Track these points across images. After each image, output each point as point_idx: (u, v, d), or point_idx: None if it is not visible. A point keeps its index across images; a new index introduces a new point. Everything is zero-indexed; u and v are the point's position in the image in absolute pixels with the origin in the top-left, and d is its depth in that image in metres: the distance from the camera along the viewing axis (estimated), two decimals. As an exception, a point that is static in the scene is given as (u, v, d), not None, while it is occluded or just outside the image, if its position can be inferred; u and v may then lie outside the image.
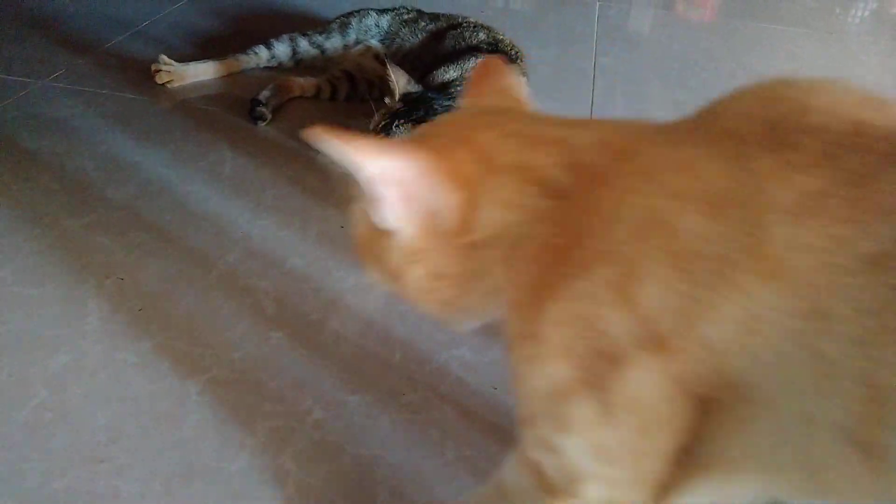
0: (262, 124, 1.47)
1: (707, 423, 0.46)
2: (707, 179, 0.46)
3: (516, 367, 0.53)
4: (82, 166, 1.29)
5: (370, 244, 0.61)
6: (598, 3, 2.36)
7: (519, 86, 0.70)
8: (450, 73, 1.36)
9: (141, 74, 1.61)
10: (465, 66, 1.37)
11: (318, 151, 0.96)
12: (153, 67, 1.54)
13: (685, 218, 0.45)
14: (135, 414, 0.86)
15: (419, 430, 0.88)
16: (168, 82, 1.54)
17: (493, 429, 0.89)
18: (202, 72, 1.57)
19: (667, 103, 1.70)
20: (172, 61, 1.55)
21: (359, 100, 1.59)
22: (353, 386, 0.92)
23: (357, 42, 1.60)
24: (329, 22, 1.64)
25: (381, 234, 0.58)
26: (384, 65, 1.58)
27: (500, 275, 0.56)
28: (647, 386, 0.46)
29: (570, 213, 0.51)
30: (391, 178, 0.53)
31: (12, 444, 0.81)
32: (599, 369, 0.47)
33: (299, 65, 1.64)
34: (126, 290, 1.03)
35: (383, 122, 1.29)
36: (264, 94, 1.49)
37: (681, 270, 0.44)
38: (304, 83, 1.56)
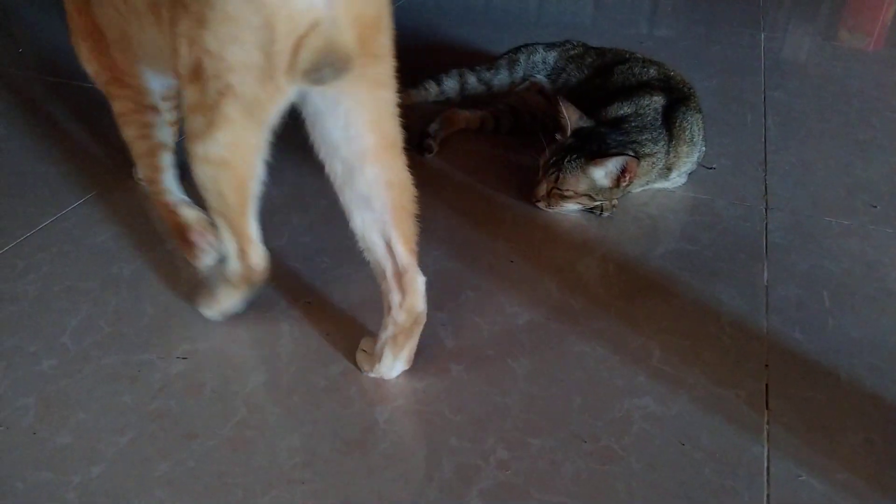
0: (428, 156, 1.50)
1: None
2: None
3: None
4: (269, 193, 1.36)
5: None
6: (762, 34, 2.26)
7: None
8: (623, 108, 1.34)
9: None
10: (640, 102, 1.35)
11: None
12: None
13: None
14: (327, 437, 0.89)
15: (604, 482, 0.85)
16: (344, 113, 1.62)
17: (683, 488, 0.85)
18: (375, 103, 1.64)
19: (849, 143, 1.59)
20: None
21: (522, 132, 1.60)
22: (534, 428, 0.91)
23: (524, 79, 1.61)
24: (497, 58, 1.66)
25: None
26: (548, 99, 1.58)
27: None
28: None
29: None
30: None
31: (218, 458, 0.86)
32: None
33: (465, 99, 1.67)
34: (314, 314, 1.08)
35: (555, 157, 1.29)
36: (432, 127, 1.53)
37: None
38: (469, 116, 1.59)
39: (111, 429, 0.90)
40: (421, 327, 0.96)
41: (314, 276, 1.15)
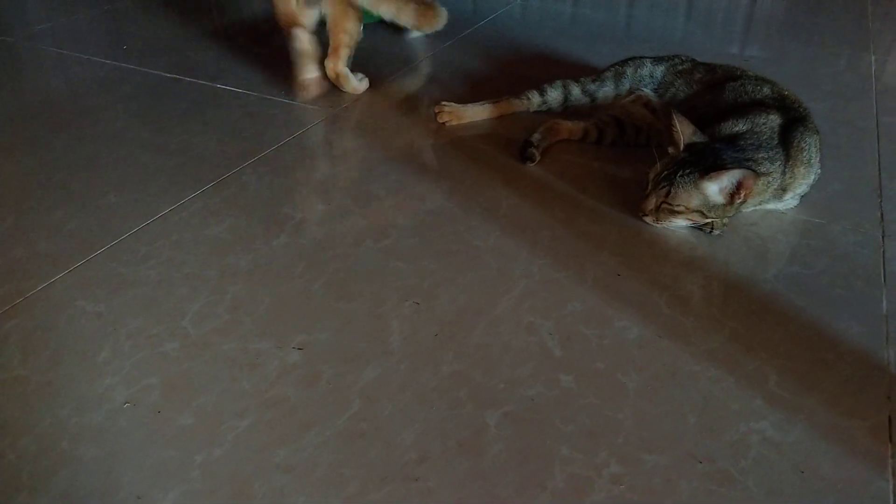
0: (530, 164, 1.50)
1: None
2: None
3: None
4: (376, 193, 1.40)
5: None
6: (872, 56, 2.18)
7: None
8: (739, 125, 1.31)
9: (419, 110, 1.73)
10: (756, 120, 1.32)
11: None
12: (436, 108, 1.65)
13: None
14: (439, 437, 0.90)
15: None
16: (448, 121, 1.63)
17: (807, 517, 0.82)
18: (478, 113, 1.65)
19: (974, 172, 1.52)
20: (453, 103, 1.65)
21: (624, 145, 1.58)
22: (648, 445, 0.90)
23: (630, 92, 1.60)
24: (602, 70, 1.65)
25: None
26: (654, 112, 1.56)
27: None
28: None
29: None
30: None
31: (334, 448, 0.88)
32: None
33: (567, 110, 1.67)
34: (422, 315, 1.09)
35: (666, 171, 1.27)
36: (535, 137, 1.53)
37: None
38: (572, 126, 1.58)
39: (231, 413, 0.93)
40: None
41: (421, 278, 1.17)
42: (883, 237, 1.32)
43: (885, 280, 1.21)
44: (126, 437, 0.90)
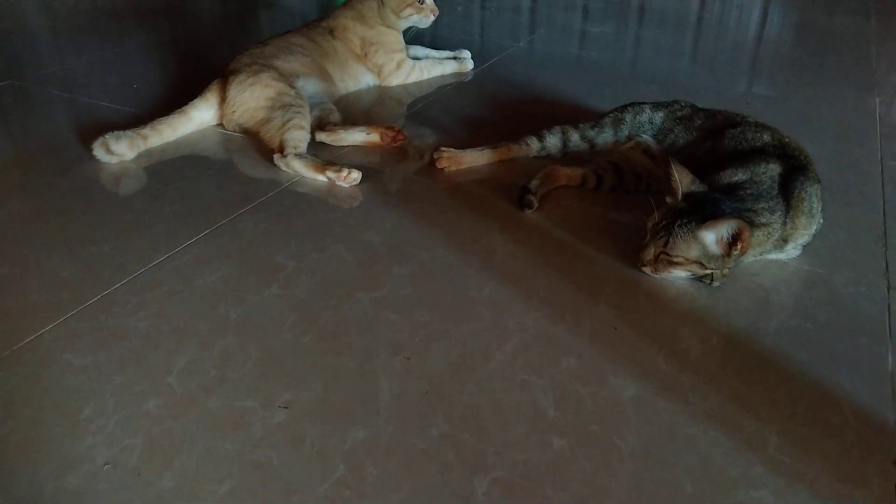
0: (528, 211, 1.49)
1: None
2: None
3: None
4: (371, 240, 1.38)
5: None
6: (877, 99, 2.16)
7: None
8: (738, 175, 1.29)
9: (418, 155, 1.73)
10: (755, 169, 1.30)
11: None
12: (435, 154, 1.64)
13: None
14: (425, 505, 0.87)
15: (720, 579, 0.80)
16: (447, 167, 1.62)
17: None
18: (477, 158, 1.64)
19: (982, 220, 1.48)
20: (452, 149, 1.64)
21: (624, 191, 1.56)
22: (642, 513, 0.87)
23: (629, 138, 1.59)
24: (601, 116, 1.65)
25: None
26: (653, 159, 1.55)
27: None
28: None
29: None
30: None
31: (316, 516, 0.85)
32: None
33: (567, 156, 1.66)
34: (413, 371, 1.07)
35: (665, 221, 1.25)
36: (533, 183, 1.52)
37: None
38: (570, 173, 1.57)
39: (212, 476, 0.90)
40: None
41: (413, 331, 1.15)
42: (888, 289, 1.29)
43: (890, 335, 1.18)
44: (104, 501, 0.87)
